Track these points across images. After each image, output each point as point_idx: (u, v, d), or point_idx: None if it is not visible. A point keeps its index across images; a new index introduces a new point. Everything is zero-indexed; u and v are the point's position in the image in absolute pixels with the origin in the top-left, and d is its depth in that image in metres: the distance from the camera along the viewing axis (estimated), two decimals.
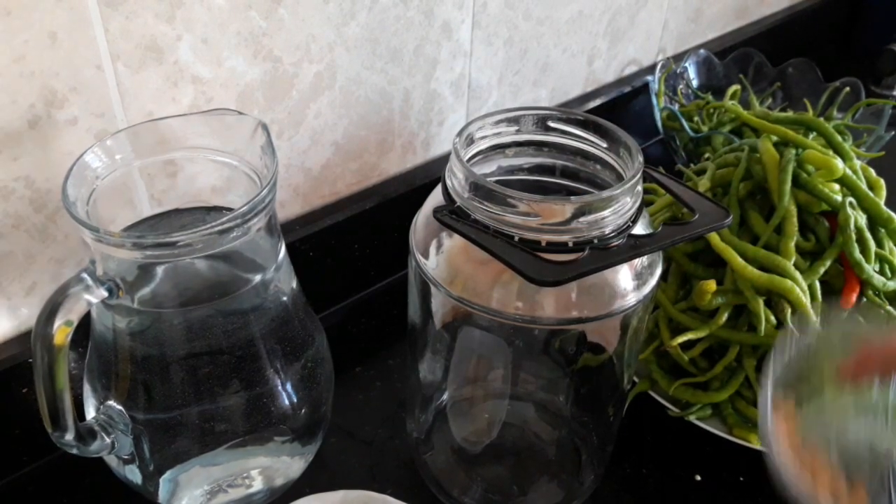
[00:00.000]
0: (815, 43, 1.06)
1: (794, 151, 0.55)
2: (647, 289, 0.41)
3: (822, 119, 0.62)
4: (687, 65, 0.87)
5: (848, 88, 0.81)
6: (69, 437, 0.40)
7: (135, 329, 0.40)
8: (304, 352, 0.45)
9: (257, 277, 0.42)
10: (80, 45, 0.43)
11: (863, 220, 0.54)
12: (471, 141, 0.42)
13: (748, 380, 0.54)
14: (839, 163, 0.54)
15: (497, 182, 0.38)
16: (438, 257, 0.42)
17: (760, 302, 0.51)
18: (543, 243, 0.36)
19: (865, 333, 0.38)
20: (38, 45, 0.41)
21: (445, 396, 0.54)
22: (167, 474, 0.44)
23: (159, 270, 0.40)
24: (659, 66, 0.83)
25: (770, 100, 0.86)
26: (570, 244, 0.36)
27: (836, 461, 0.34)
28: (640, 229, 0.38)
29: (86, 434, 0.40)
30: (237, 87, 0.51)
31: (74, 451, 0.40)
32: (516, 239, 0.37)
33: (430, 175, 0.66)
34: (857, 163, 0.57)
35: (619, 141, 0.41)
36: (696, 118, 0.79)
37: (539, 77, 0.73)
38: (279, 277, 0.43)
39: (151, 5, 0.44)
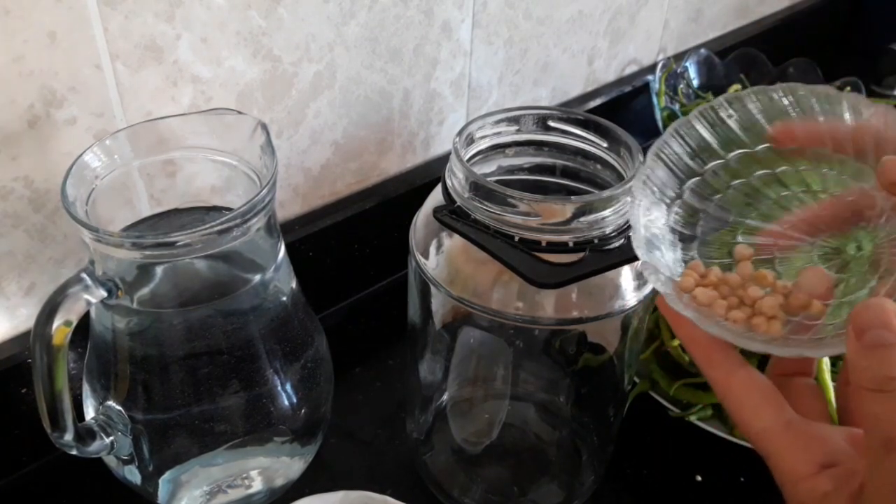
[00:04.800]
0: (816, 43, 1.06)
1: None
2: (647, 289, 0.40)
3: None
4: (687, 64, 0.87)
5: (848, 88, 0.81)
6: (68, 437, 0.39)
7: (134, 329, 0.40)
8: (304, 352, 0.45)
9: (257, 277, 0.42)
10: (79, 45, 0.42)
11: None
12: (471, 141, 0.42)
13: None
14: None
15: (497, 182, 0.38)
16: (438, 257, 0.42)
17: None
18: (544, 243, 0.36)
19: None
20: (37, 44, 0.41)
21: (445, 397, 0.54)
22: (167, 475, 0.44)
23: (158, 270, 0.40)
24: (659, 66, 0.82)
25: None
26: (571, 244, 0.36)
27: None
28: None
29: (85, 434, 0.40)
30: (237, 86, 0.51)
31: (74, 451, 0.40)
32: (516, 239, 0.36)
33: (430, 175, 0.65)
34: None
35: (620, 141, 0.41)
36: None
37: (539, 77, 0.73)
38: (279, 277, 0.43)
39: (151, 5, 0.44)
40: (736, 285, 0.31)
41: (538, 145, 0.44)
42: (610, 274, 0.39)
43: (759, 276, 0.31)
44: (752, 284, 0.31)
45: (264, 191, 0.38)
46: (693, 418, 0.53)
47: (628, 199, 0.38)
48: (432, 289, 0.41)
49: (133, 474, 0.43)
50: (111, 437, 0.41)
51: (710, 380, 0.30)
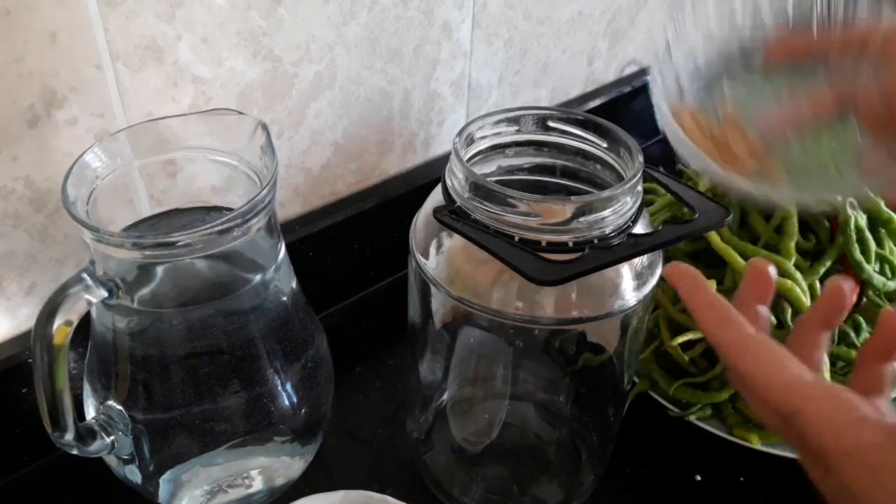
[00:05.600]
0: None
1: None
2: (647, 289, 0.41)
3: None
4: None
5: None
6: (69, 437, 0.40)
7: (134, 329, 0.40)
8: (304, 352, 0.45)
9: (257, 277, 0.42)
10: (79, 45, 0.42)
11: (863, 220, 0.54)
12: (471, 141, 0.42)
13: None
14: None
15: (497, 182, 0.38)
16: (438, 257, 0.42)
17: None
18: (543, 243, 0.36)
19: None
20: (38, 45, 0.41)
21: (445, 396, 0.54)
22: (167, 474, 0.44)
23: (159, 270, 0.40)
24: None
25: None
26: (571, 244, 0.36)
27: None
28: (640, 229, 0.38)
29: (86, 434, 0.40)
30: (237, 86, 0.51)
31: (74, 451, 0.40)
32: (516, 239, 0.37)
33: (430, 175, 0.66)
34: None
35: (620, 141, 0.41)
36: None
37: (539, 77, 0.73)
38: (279, 277, 0.43)
39: (151, 5, 0.44)
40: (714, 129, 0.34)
41: (538, 145, 0.44)
42: (609, 274, 0.39)
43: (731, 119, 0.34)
44: (729, 127, 0.33)
45: (265, 191, 0.38)
46: (692, 418, 0.53)
47: (628, 198, 0.38)
48: (432, 289, 0.41)
49: (134, 474, 0.43)
50: (112, 437, 0.41)
51: (723, 342, 0.30)
